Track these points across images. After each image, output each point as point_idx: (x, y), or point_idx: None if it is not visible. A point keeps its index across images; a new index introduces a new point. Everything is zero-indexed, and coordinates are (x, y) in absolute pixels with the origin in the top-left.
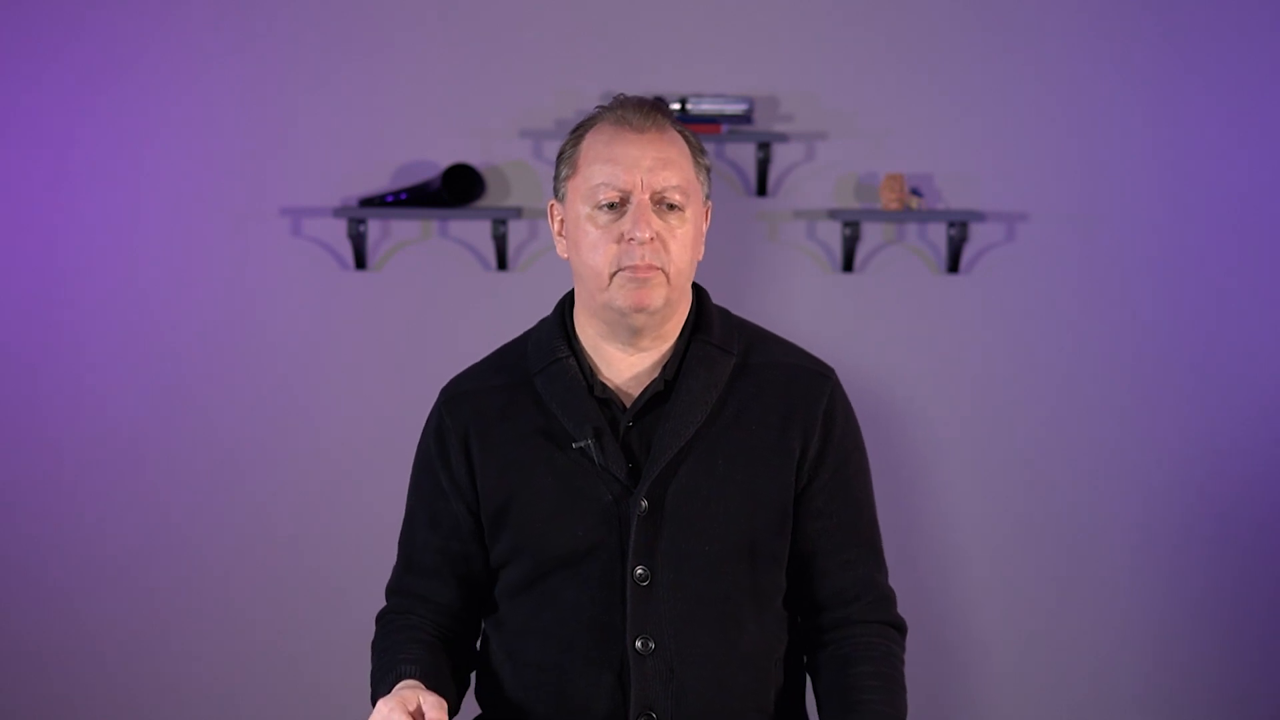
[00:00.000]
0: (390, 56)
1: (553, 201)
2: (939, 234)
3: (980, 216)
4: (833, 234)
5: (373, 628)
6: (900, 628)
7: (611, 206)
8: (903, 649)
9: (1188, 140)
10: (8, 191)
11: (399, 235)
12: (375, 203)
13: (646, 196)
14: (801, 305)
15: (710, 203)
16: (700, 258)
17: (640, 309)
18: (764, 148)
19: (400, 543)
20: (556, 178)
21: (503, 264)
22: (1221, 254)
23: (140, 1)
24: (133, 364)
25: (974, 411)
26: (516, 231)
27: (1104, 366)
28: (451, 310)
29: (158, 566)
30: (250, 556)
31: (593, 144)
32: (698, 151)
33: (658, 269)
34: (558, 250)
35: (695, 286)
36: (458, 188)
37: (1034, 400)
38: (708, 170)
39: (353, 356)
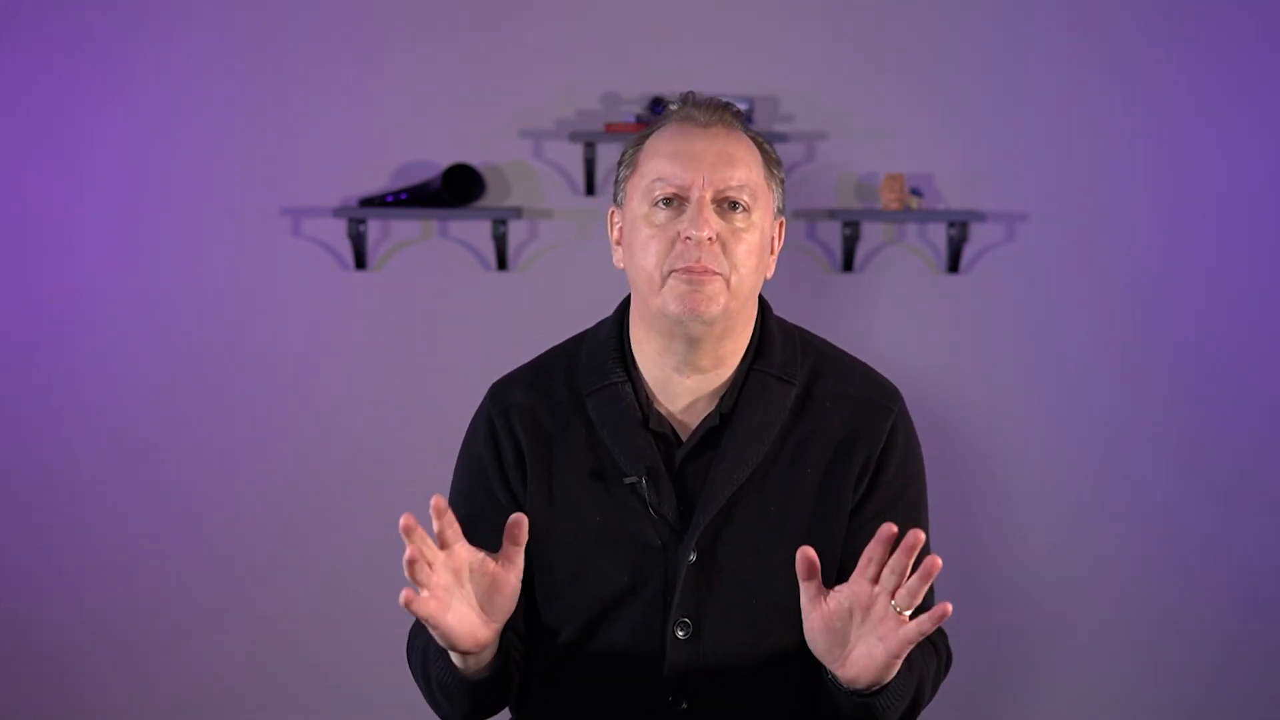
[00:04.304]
0: (390, 57)
1: (613, 208)
2: (939, 234)
3: (980, 216)
4: (833, 234)
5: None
6: (940, 647)
7: (668, 203)
8: (942, 661)
9: (1187, 141)
10: (12, 192)
11: (399, 235)
12: (375, 203)
13: (708, 194)
14: (801, 305)
15: (783, 218)
16: (770, 274)
17: (694, 315)
18: None
19: None
20: (616, 180)
21: (503, 264)
22: (1220, 253)
23: (142, 4)
24: (133, 363)
25: (973, 411)
26: (516, 231)
27: (1104, 366)
28: (451, 310)
29: (155, 563)
30: (249, 554)
31: (655, 141)
32: (772, 161)
33: (716, 274)
34: (614, 260)
35: (759, 301)
36: (458, 188)
37: (1033, 400)
38: (781, 183)
39: (353, 357)
